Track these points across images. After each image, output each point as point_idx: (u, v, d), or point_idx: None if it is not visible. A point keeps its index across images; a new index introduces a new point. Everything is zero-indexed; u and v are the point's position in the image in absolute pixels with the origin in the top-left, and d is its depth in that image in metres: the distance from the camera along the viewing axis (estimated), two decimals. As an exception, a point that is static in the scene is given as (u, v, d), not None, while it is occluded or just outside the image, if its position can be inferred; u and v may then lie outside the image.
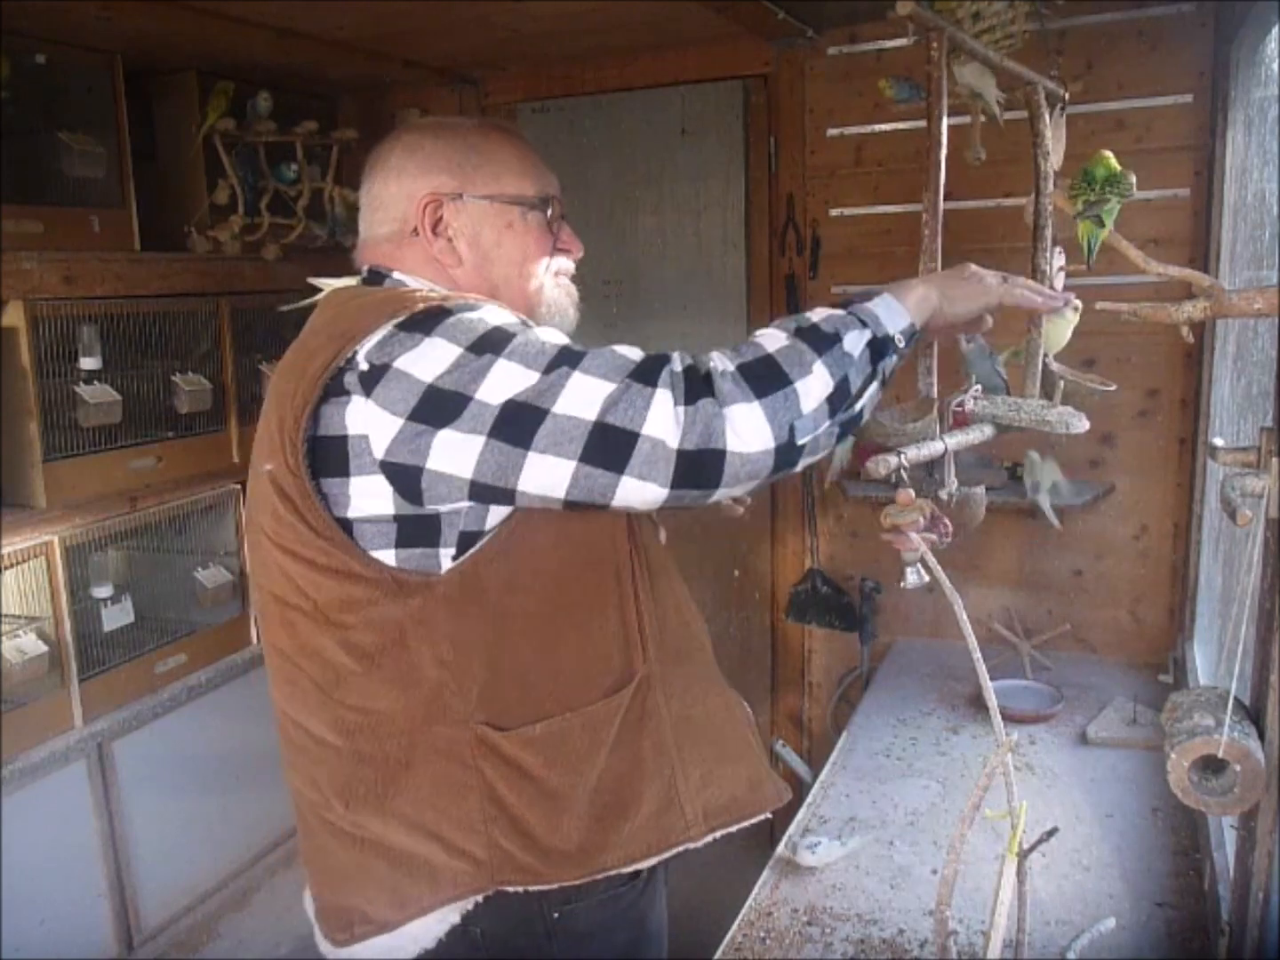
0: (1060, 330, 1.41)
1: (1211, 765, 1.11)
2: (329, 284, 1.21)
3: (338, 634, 1.09)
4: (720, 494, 0.97)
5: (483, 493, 1.01)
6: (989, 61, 1.24)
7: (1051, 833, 1.21)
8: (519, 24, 2.28)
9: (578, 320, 1.27)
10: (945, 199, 1.17)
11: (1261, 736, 1.09)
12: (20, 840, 1.99)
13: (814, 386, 0.96)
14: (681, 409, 0.93)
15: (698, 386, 0.95)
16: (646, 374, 0.96)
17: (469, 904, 1.13)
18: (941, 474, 1.18)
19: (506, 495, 1.01)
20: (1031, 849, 1.16)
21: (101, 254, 2.23)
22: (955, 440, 1.16)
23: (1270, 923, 1.14)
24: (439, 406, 0.98)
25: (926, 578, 1.12)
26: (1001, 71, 1.28)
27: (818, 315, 1.02)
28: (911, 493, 1.09)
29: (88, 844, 2.15)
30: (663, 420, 0.93)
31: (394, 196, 1.19)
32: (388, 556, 1.06)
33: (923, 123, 1.17)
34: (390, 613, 1.07)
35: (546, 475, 0.97)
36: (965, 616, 1.10)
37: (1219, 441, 1.16)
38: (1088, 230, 1.26)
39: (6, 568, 2.03)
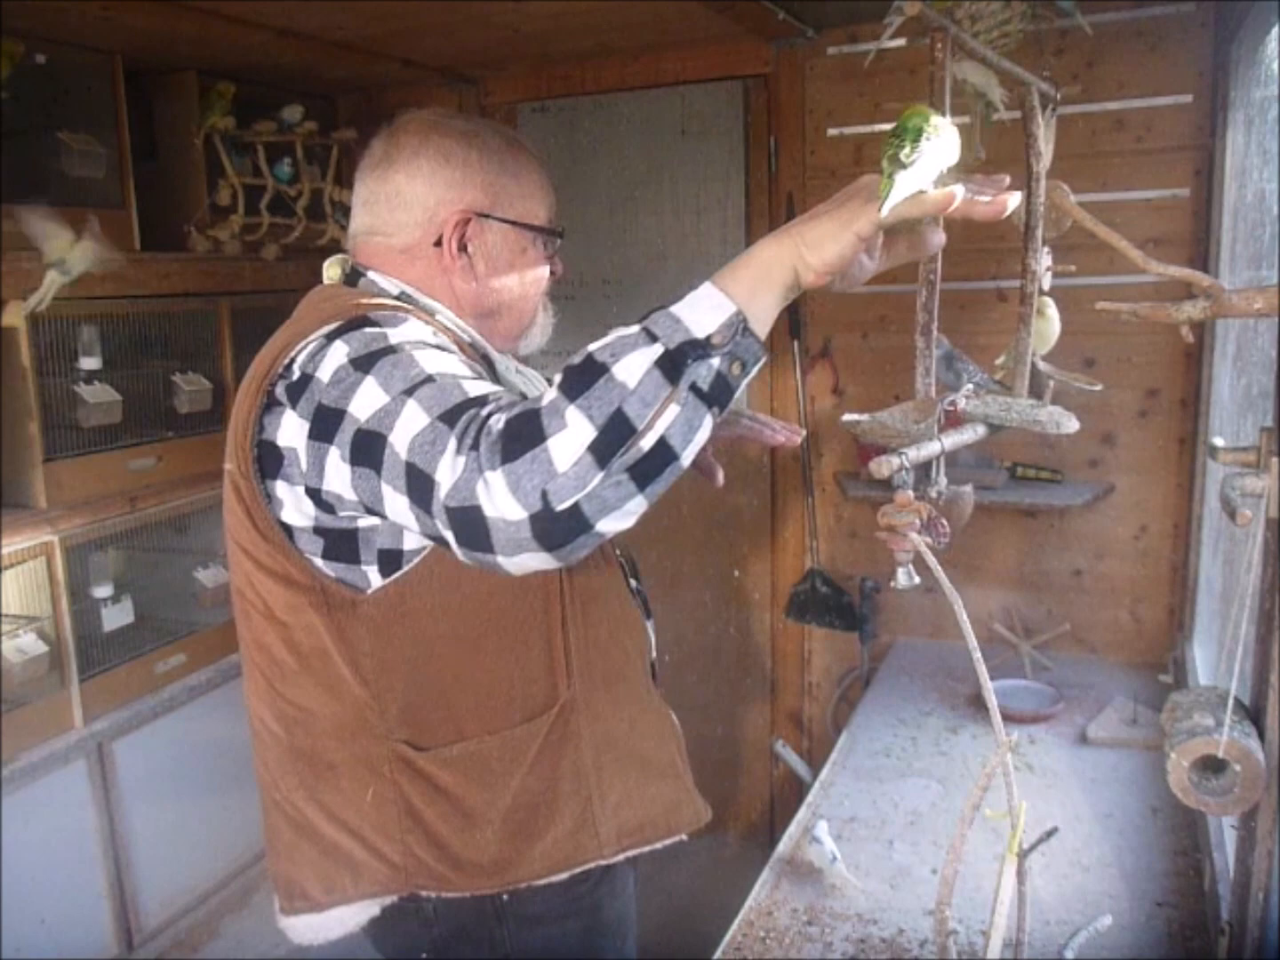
0: (1048, 329, 1.41)
1: (1211, 765, 1.11)
2: None
3: (281, 631, 1.14)
4: (507, 563, 0.87)
5: (375, 513, 1.00)
6: (989, 62, 1.23)
7: (1051, 833, 1.21)
8: (519, 24, 2.28)
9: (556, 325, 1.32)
10: (945, 199, 1.17)
11: (1261, 736, 1.09)
12: (20, 840, 1.99)
13: (569, 439, 0.82)
14: (462, 459, 0.86)
15: (476, 439, 0.86)
16: (453, 415, 0.89)
17: (390, 899, 1.18)
18: (933, 473, 1.18)
19: (387, 519, 0.99)
20: (1031, 849, 1.16)
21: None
22: (951, 440, 1.16)
23: (1270, 923, 1.14)
24: (325, 423, 0.98)
25: (917, 579, 1.12)
26: (997, 71, 1.28)
27: (604, 340, 0.87)
28: (910, 494, 1.09)
29: (88, 844, 2.15)
30: (444, 469, 0.87)
31: (421, 199, 1.17)
32: (322, 565, 1.09)
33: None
34: (317, 622, 1.11)
35: (397, 507, 0.93)
36: (965, 616, 1.09)
37: (1219, 441, 1.16)
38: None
39: (6, 568, 2.03)
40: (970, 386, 1.25)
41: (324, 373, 1.00)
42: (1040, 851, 1.21)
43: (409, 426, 0.91)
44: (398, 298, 1.17)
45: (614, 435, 0.82)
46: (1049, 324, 1.41)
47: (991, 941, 1.14)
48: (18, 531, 2.05)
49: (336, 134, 2.70)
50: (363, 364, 0.97)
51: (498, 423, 0.86)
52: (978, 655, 1.10)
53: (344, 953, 1.30)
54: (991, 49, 1.25)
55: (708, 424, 0.86)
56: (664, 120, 2.70)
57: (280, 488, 1.06)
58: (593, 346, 0.86)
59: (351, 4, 2.03)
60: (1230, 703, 1.11)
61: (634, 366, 0.83)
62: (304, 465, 1.01)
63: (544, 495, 0.82)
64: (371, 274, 1.19)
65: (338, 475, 0.98)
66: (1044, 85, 1.31)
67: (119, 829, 2.21)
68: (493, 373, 1.19)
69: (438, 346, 1.03)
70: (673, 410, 0.83)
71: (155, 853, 2.29)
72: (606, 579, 1.23)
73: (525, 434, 0.83)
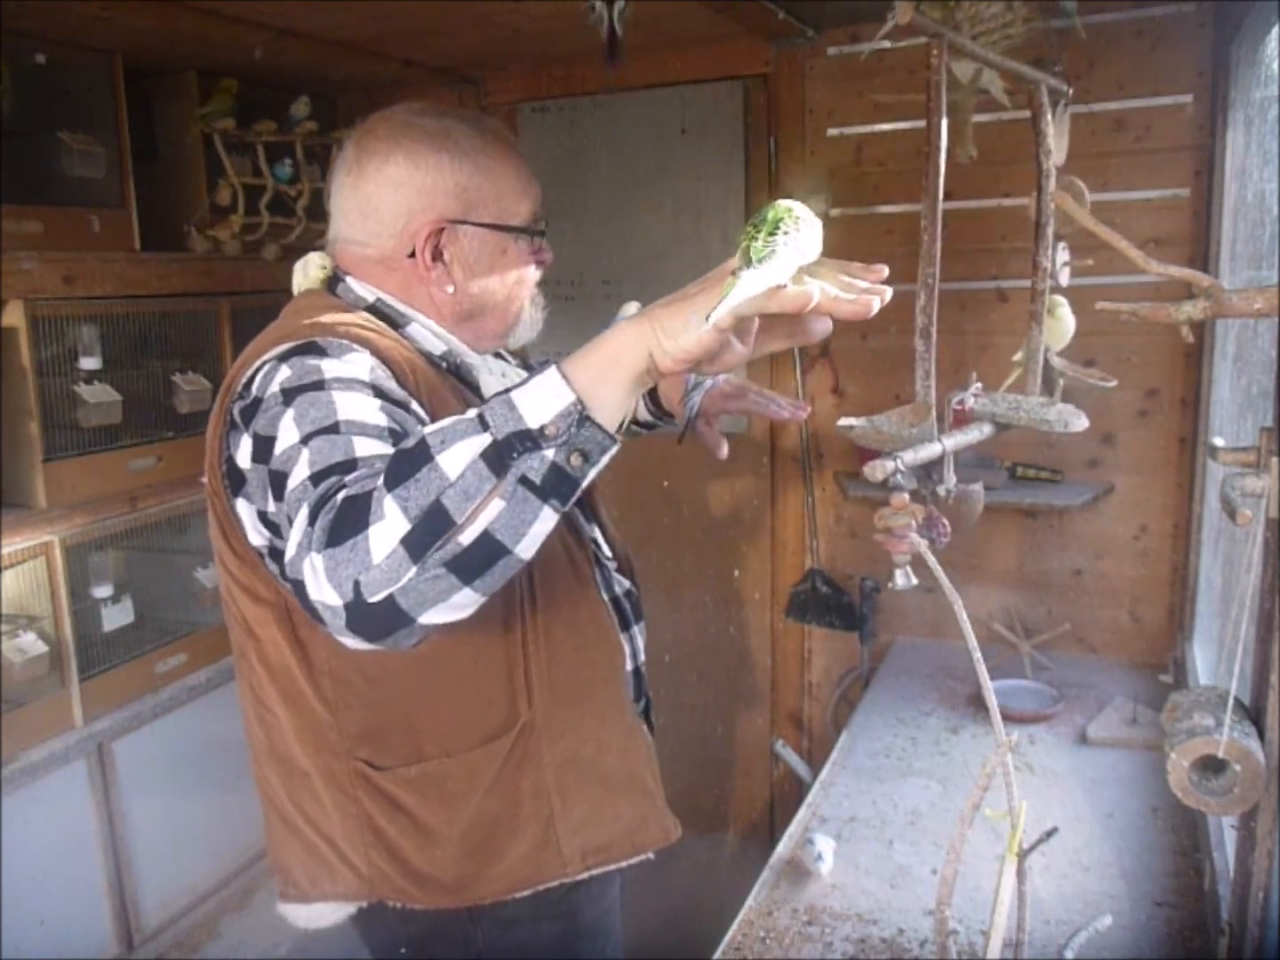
0: (1059, 327, 1.41)
1: (1211, 765, 1.11)
2: None
3: (254, 644, 1.16)
4: (341, 639, 0.83)
5: None
6: (989, 63, 1.23)
7: (1051, 833, 1.21)
8: (519, 24, 2.28)
9: (544, 323, 1.30)
10: (945, 199, 1.17)
11: (1261, 736, 1.09)
12: (20, 840, 1.99)
13: (385, 531, 0.78)
14: (302, 530, 0.82)
15: (316, 514, 0.82)
16: (322, 477, 0.86)
17: (364, 902, 1.20)
18: (940, 472, 1.18)
19: None
20: (1031, 849, 1.16)
21: (101, 254, 2.23)
22: (953, 441, 1.16)
23: (1270, 923, 1.14)
24: (261, 449, 0.97)
25: (915, 580, 1.12)
26: (1002, 72, 1.28)
27: (441, 424, 0.82)
28: (905, 496, 1.09)
29: (88, 844, 2.15)
30: (294, 535, 0.84)
31: (392, 210, 1.15)
32: (285, 584, 1.07)
33: (923, 123, 1.17)
34: (281, 638, 1.12)
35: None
36: (965, 616, 1.09)
37: (1219, 441, 1.16)
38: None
39: (6, 568, 2.03)
40: (978, 385, 1.25)
41: (266, 397, 1.00)
42: (1040, 851, 1.21)
43: (296, 476, 0.89)
44: (372, 305, 1.17)
45: (429, 529, 0.77)
46: (1060, 323, 1.40)
47: (991, 941, 1.14)
48: (18, 531, 2.05)
49: (336, 134, 2.70)
50: (289, 396, 0.96)
51: (339, 500, 0.82)
52: (978, 655, 1.10)
53: (342, 949, 1.31)
54: (995, 49, 1.24)
55: (547, 516, 0.80)
56: (664, 120, 2.70)
57: (242, 506, 1.05)
58: (429, 429, 0.82)
59: (351, 4, 2.03)
60: (1230, 703, 1.11)
61: (458, 457, 0.78)
62: (254, 487, 1.01)
63: (356, 586, 0.78)
64: (349, 280, 1.18)
65: (271, 501, 0.98)
66: (1054, 81, 1.30)
67: (119, 829, 2.21)
68: (469, 385, 1.18)
69: (371, 385, 0.99)
70: (497, 505, 0.78)
71: (155, 853, 2.29)
72: (576, 594, 1.20)
73: (351, 519, 0.79)
